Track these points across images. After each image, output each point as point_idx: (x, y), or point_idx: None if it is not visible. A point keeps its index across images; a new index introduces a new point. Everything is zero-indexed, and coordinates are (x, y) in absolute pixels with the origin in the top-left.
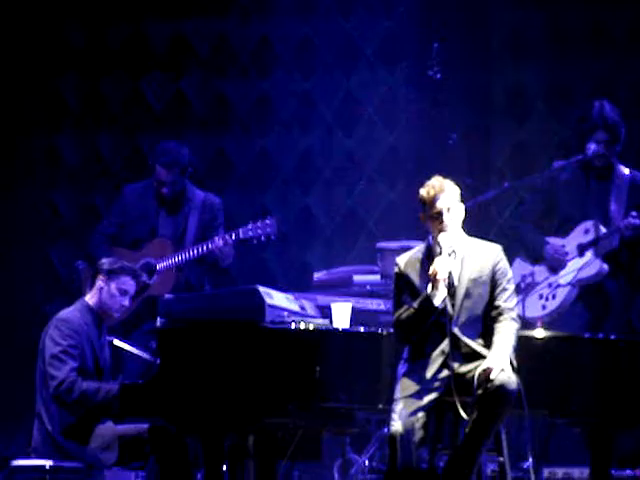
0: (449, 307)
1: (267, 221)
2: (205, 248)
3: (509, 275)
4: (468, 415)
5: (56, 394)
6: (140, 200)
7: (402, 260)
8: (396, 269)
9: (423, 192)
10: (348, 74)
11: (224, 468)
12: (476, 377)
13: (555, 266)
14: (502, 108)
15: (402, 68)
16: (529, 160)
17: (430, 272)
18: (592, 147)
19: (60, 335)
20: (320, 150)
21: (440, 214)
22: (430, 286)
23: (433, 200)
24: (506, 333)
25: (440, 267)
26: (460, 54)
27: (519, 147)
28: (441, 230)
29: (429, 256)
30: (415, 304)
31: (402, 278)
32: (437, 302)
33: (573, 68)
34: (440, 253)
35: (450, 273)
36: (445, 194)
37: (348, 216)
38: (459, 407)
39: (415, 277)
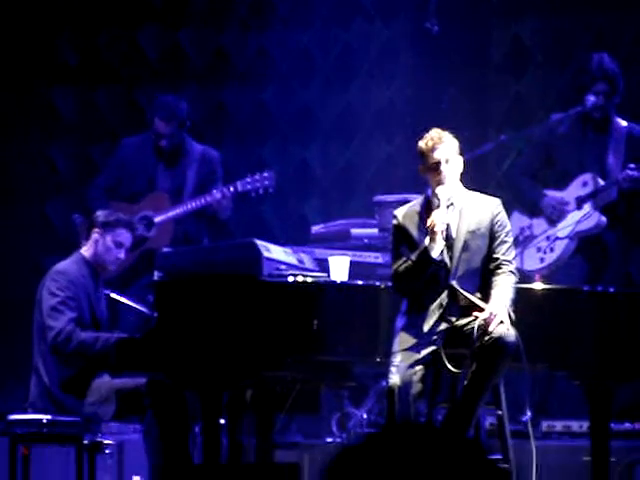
0: (447, 259)
1: (265, 174)
2: (203, 201)
3: (508, 228)
4: (457, 368)
5: (54, 344)
6: (138, 153)
7: (400, 212)
8: (394, 221)
9: (422, 143)
10: (346, 27)
11: (222, 421)
12: (476, 329)
13: (554, 218)
14: (500, 61)
15: (400, 21)
16: (527, 113)
17: (428, 224)
18: (591, 99)
19: (57, 287)
20: (318, 103)
21: (438, 164)
22: (428, 238)
23: (431, 151)
24: (504, 286)
25: (438, 219)
26: (458, 6)
27: (517, 100)
28: (439, 181)
29: (427, 208)
30: (413, 256)
31: (400, 230)
32: (435, 254)
33: (572, 20)
34: (438, 206)
35: (448, 225)
36: (444, 145)
37: (346, 169)
38: (445, 361)
39: (413, 229)
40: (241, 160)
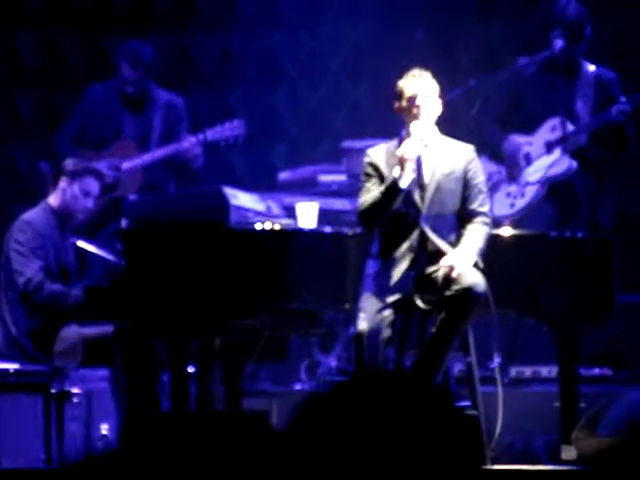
0: (418, 200)
1: (234, 123)
2: (172, 149)
3: (482, 177)
4: (427, 307)
5: (24, 291)
6: (104, 100)
7: (374, 151)
8: (367, 158)
9: (401, 80)
10: None
11: (191, 370)
12: (440, 277)
13: (511, 165)
14: (467, 5)
15: None
16: (495, 58)
17: (398, 152)
18: (559, 43)
19: (24, 236)
20: (284, 49)
21: (415, 98)
22: (398, 168)
23: (410, 84)
24: (474, 235)
25: (409, 148)
26: None
27: (485, 45)
28: (416, 116)
29: None
30: (382, 187)
31: (372, 167)
32: (403, 184)
33: None
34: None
35: (420, 163)
36: (423, 80)
37: (313, 115)
38: (418, 301)
39: (385, 168)
40: (207, 107)
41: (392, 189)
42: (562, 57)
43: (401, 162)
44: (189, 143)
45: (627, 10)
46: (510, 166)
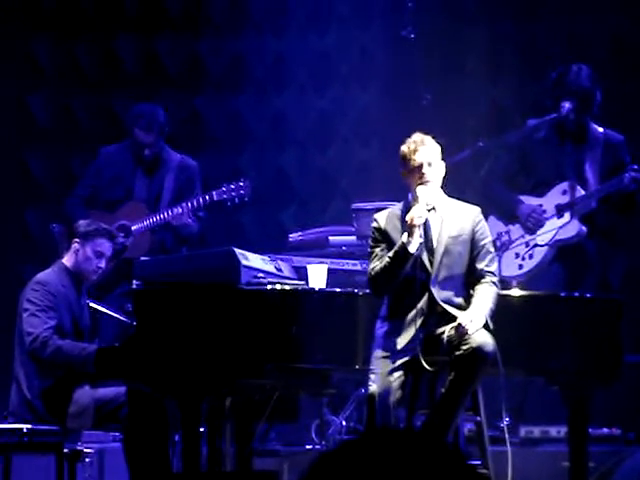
0: (427, 264)
1: (241, 183)
2: (178, 211)
3: (489, 238)
4: (433, 368)
5: (30, 349)
6: (116, 162)
7: (380, 216)
8: (374, 224)
9: (404, 147)
10: (322, 33)
11: (202, 430)
12: (446, 335)
13: (531, 226)
14: (475, 67)
15: (376, 27)
16: (503, 119)
17: (407, 218)
18: (566, 105)
19: (36, 296)
20: (294, 111)
21: (421, 167)
22: (406, 234)
23: (414, 153)
24: (484, 295)
25: (417, 214)
26: (433, 12)
27: (492, 106)
28: (422, 184)
29: (408, 213)
30: (390, 253)
31: (380, 232)
32: (412, 249)
33: (547, 26)
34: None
35: (427, 225)
36: (426, 147)
37: (323, 176)
38: (423, 362)
39: (393, 233)
40: (217, 168)
41: (401, 255)
42: (571, 121)
43: (409, 227)
44: (179, 209)
45: (635, 73)
46: (527, 227)
